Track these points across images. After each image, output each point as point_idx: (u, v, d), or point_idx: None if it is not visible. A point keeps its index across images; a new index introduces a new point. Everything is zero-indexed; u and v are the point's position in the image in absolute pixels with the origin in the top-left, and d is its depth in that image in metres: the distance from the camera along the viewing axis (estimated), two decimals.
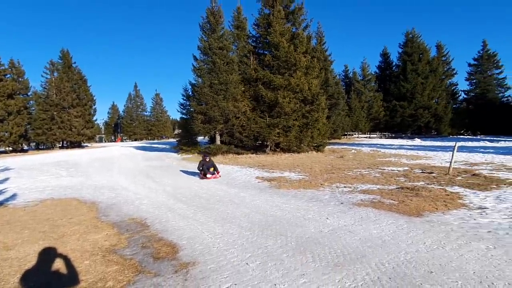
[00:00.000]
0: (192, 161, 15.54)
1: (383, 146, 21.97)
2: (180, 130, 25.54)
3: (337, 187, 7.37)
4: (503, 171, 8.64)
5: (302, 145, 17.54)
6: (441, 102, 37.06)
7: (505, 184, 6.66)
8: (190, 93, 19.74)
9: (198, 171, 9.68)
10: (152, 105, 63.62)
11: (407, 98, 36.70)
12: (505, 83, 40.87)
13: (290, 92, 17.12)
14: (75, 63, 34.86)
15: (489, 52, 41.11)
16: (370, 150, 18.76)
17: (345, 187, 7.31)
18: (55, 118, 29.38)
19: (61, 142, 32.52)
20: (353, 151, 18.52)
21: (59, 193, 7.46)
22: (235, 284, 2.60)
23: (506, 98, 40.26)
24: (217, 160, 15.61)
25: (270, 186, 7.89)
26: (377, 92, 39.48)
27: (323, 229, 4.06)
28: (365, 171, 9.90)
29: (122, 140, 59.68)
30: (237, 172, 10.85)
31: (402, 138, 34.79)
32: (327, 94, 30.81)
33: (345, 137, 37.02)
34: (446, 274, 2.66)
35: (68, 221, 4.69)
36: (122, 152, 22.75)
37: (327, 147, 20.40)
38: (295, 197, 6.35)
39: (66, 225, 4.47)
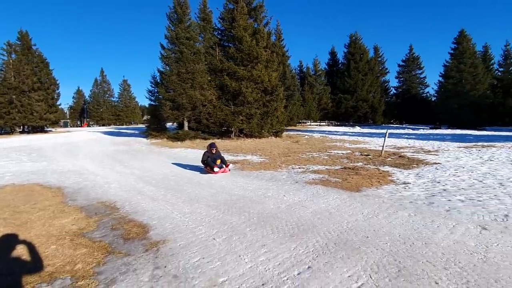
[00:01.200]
0: (161, 146, 14.85)
1: (330, 132, 23.03)
2: (149, 116, 24.06)
3: (292, 168, 7.56)
4: (421, 153, 9.57)
5: (263, 131, 17.67)
6: (377, 96, 39.72)
7: (423, 164, 7.39)
8: (159, 81, 18.55)
9: (203, 166, 7.21)
10: (120, 91, 58.64)
11: (350, 92, 38.67)
12: (425, 81, 45.02)
13: (252, 83, 16.99)
14: (35, 45, 30.30)
15: (414, 55, 44.71)
16: (320, 136, 19.56)
17: (299, 168, 7.53)
18: (14, 102, 25.74)
19: (21, 127, 28.77)
20: (306, 136, 19.14)
21: (21, 179, 6.47)
22: (203, 257, 2.55)
23: (425, 94, 44.40)
24: (185, 145, 15.14)
25: (234, 168, 7.83)
26: (326, 86, 40.91)
27: (280, 205, 4.14)
28: (316, 154, 10.29)
29: (89, 125, 54.38)
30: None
31: (345, 126, 36.79)
32: (284, 86, 31.12)
33: (300, 124, 38.02)
34: (379, 237, 2.88)
35: (32, 207, 4.12)
36: (89, 137, 20.82)
37: (284, 133, 20.81)
38: (256, 178, 6.39)
39: (30, 211, 3.92)
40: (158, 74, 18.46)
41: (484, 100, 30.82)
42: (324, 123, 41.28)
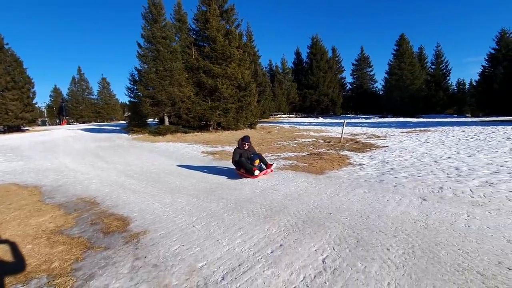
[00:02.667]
0: (143, 140, 14.06)
1: (298, 123, 23.38)
2: (129, 113, 22.57)
3: (265, 156, 7.52)
4: (373, 138, 10.04)
5: (239, 124, 17.43)
6: (335, 91, 40.93)
7: (374, 147, 7.74)
8: (137, 78, 17.41)
9: (235, 168, 5.23)
10: (99, 89, 53.97)
11: (314, 87, 39.42)
12: (374, 78, 47.20)
13: (227, 80, 16.58)
14: (7, 44, 26.71)
15: (364, 55, 46.46)
16: (289, 126, 19.76)
17: (272, 155, 7.51)
18: None
19: None
20: (277, 127, 19.25)
21: None
22: (183, 245, 2.41)
23: (374, 89, 46.61)
24: (167, 139, 14.47)
25: (214, 158, 7.63)
26: (293, 82, 41.24)
27: (255, 190, 4.07)
28: (286, 142, 10.36)
29: (68, 123, 49.56)
30: (185, 149, 10.21)
31: (311, 117, 37.61)
32: (256, 83, 30.79)
33: (272, 117, 38.16)
34: (340, 213, 2.94)
35: (7, 207, 3.61)
36: (68, 134, 19.05)
37: (258, 125, 20.74)
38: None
39: (4, 211, 3.43)
40: (136, 72, 17.33)
41: (420, 93, 33.13)
42: (293, 115, 41.90)
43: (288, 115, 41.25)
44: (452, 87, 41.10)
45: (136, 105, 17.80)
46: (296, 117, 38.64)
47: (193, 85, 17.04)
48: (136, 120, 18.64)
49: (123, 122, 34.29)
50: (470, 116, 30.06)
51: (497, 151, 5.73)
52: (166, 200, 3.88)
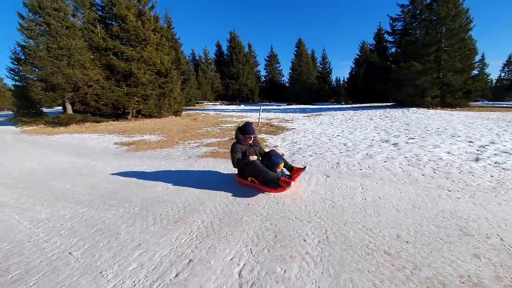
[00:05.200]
0: (36, 133, 10.07)
1: (223, 110, 22.45)
2: (15, 100, 15.77)
3: (188, 143, 6.48)
4: (283, 122, 10.43)
5: (162, 111, 15.00)
6: (253, 82, 41.73)
7: (285, 130, 7.92)
8: (22, 57, 12.04)
9: (238, 177, 2.96)
10: None
11: (235, 78, 38.83)
12: (282, 72, 50.67)
13: (144, 65, 13.69)
14: None
15: (274, 53, 48.90)
16: (214, 113, 18.62)
17: (194, 142, 6.53)
18: None
19: None
20: (203, 114, 17.79)
21: None
22: None
23: (282, 81, 50.21)
24: (71, 130, 10.86)
25: (128, 149, 6.00)
26: (217, 72, 39.33)
27: (169, 185, 3.13)
28: (210, 128, 9.45)
29: None
30: (93, 140, 7.79)
31: (233, 104, 37.13)
32: (180, 71, 27.49)
33: (198, 104, 35.47)
34: (257, 203, 2.45)
35: None
36: None
37: (184, 112, 18.65)
38: (150, 158, 4.98)
39: None
40: (20, 49, 11.93)
41: (313, 86, 37.88)
42: (218, 103, 40.34)
43: (213, 103, 39.47)
44: (333, 82, 48.99)
45: (23, 89, 12.49)
46: (221, 104, 37.41)
47: (101, 68, 13.24)
48: (27, 108, 13.25)
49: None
50: (344, 103, 36.84)
51: (366, 129, 6.74)
52: (41, 216, 2.48)
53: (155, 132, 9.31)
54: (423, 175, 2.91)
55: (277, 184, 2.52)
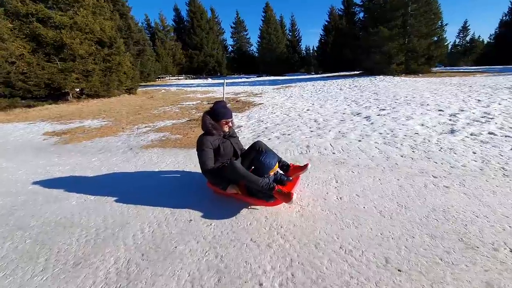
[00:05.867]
0: None
1: (186, 85, 20.38)
2: None
3: (137, 128, 5.41)
4: (251, 96, 9.59)
5: (111, 89, 12.76)
6: (220, 53, 38.47)
7: (252, 105, 7.17)
8: None
9: (210, 183, 2.00)
10: None
11: (198, 48, 35.24)
12: (250, 41, 47.40)
13: (80, 32, 11.05)
14: None
15: (240, 19, 44.82)
16: (176, 89, 16.71)
17: (145, 127, 5.48)
18: None
19: None
20: (163, 91, 15.81)
21: None
22: None
23: (251, 51, 47.31)
24: None
25: (57, 142, 4.77)
26: (177, 42, 35.01)
27: (88, 197, 2.25)
28: (168, 108, 8.25)
29: None
30: (19, 131, 6.16)
31: (200, 78, 34.26)
32: (133, 40, 23.69)
33: (159, 79, 31.86)
34: (210, 217, 1.85)
35: None
36: None
37: (140, 89, 16.36)
38: (81, 152, 3.92)
39: None
40: None
41: (283, 55, 36.37)
42: (182, 77, 36.82)
43: (177, 77, 35.91)
44: (303, 51, 47.74)
45: None
46: (186, 79, 34.21)
47: (25, 40, 10.31)
48: None
49: None
50: (314, 73, 36.52)
51: (337, 100, 6.34)
52: None
53: (99, 115, 7.81)
54: (402, 156, 2.53)
55: (270, 197, 1.70)
